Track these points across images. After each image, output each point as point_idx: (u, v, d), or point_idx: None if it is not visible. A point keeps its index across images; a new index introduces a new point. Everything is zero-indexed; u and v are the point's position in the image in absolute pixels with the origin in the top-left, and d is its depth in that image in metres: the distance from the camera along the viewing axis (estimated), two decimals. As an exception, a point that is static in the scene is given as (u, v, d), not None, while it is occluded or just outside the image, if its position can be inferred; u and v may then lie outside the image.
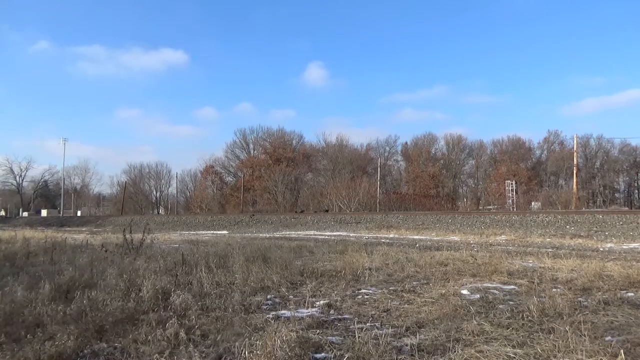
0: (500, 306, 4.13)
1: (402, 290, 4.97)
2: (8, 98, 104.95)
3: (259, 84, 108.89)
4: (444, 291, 4.80)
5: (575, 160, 39.45)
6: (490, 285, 5.16)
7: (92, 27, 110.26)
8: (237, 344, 3.10)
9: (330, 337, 3.30)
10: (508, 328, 3.41)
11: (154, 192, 73.02)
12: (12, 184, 75.91)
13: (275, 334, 3.08)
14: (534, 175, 58.48)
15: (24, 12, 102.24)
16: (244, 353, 2.90)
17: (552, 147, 63.57)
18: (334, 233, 19.10)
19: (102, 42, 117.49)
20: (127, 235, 8.51)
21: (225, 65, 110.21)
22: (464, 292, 4.79)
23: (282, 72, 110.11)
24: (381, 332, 3.32)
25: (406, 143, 66.31)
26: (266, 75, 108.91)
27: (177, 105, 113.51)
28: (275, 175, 53.02)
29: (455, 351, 2.88)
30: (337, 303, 4.46)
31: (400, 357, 2.88)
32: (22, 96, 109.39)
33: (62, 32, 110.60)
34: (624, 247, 10.74)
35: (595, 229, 15.46)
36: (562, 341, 2.96)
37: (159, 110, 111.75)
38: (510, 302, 4.29)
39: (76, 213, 64.38)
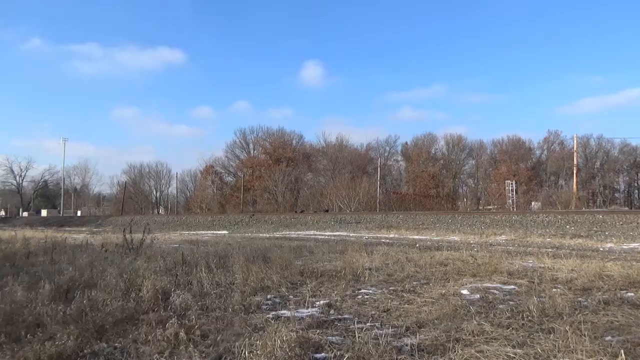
0: (500, 306, 4.13)
1: (402, 290, 4.97)
2: (6, 97, 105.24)
3: (255, 83, 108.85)
4: (444, 291, 4.80)
5: (575, 160, 39.46)
6: (490, 285, 5.16)
7: (86, 25, 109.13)
8: (237, 344, 3.10)
9: (330, 337, 3.30)
10: (508, 328, 3.41)
11: (154, 192, 73.06)
12: (12, 184, 75.90)
13: (275, 334, 3.08)
14: (534, 175, 58.49)
15: (16, 9, 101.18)
16: (244, 353, 2.90)
17: (552, 147, 63.61)
18: (334, 233, 19.10)
19: (97, 40, 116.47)
20: (127, 235, 8.52)
21: (222, 64, 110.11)
22: (464, 292, 4.79)
23: (278, 71, 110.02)
24: (381, 332, 3.32)
25: (406, 143, 66.47)
26: (263, 74, 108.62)
27: (174, 104, 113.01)
28: (275, 175, 53.02)
29: (455, 351, 2.88)
30: (337, 303, 4.46)
31: (400, 357, 2.88)
32: (19, 95, 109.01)
33: (55, 30, 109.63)
34: (624, 247, 10.74)
35: (595, 229, 15.46)
36: (562, 341, 2.95)
37: (157, 109, 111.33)
38: (510, 302, 4.29)
39: (76, 213, 64.41)
